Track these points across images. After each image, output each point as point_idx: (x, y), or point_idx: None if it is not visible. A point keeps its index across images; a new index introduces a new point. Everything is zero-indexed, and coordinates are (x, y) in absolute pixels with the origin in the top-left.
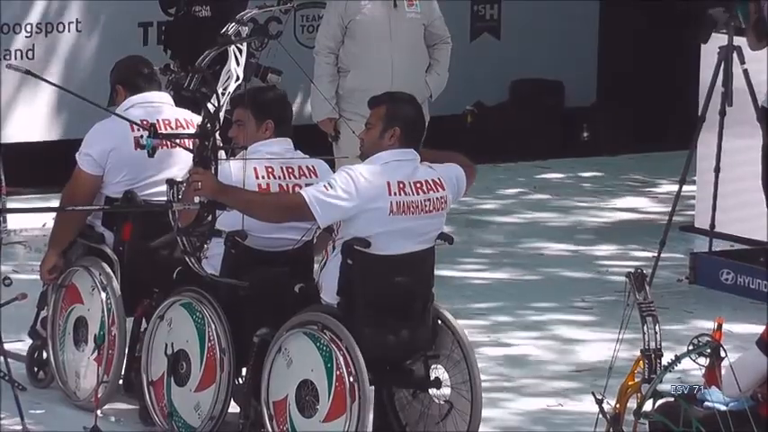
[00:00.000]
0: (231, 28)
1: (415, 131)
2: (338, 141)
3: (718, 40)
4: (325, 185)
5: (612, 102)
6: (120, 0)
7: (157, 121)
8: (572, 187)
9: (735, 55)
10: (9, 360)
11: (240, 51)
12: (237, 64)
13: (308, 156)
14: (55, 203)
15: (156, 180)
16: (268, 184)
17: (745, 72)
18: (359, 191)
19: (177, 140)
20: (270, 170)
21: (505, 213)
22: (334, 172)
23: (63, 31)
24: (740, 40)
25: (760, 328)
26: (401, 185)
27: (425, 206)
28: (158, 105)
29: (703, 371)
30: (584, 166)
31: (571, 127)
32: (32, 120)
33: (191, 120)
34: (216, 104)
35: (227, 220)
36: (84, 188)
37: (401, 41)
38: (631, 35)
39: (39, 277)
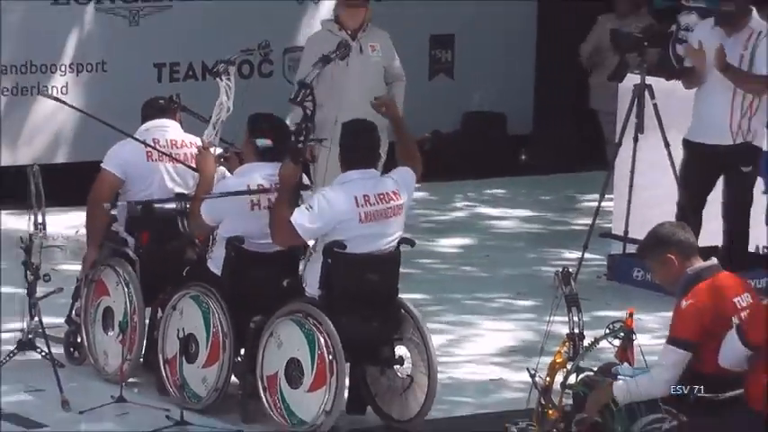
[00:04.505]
0: (221, 67)
1: (356, 155)
2: (315, 163)
3: (633, 79)
4: (306, 207)
5: (547, 130)
6: (138, 46)
7: (167, 140)
8: (513, 201)
9: (646, 92)
10: (50, 343)
11: (230, 88)
12: (228, 97)
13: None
14: (82, 215)
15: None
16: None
17: (655, 106)
18: (333, 208)
19: (182, 159)
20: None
21: (458, 222)
22: (311, 182)
23: (91, 70)
24: (651, 79)
25: (665, 316)
26: (366, 198)
27: (387, 213)
28: (167, 128)
29: (616, 350)
30: (523, 185)
31: (513, 151)
32: (59, 143)
33: (195, 141)
34: (212, 132)
35: (228, 226)
36: (106, 185)
37: (365, 81)
38: (565, 76)
39: (73, 275)
